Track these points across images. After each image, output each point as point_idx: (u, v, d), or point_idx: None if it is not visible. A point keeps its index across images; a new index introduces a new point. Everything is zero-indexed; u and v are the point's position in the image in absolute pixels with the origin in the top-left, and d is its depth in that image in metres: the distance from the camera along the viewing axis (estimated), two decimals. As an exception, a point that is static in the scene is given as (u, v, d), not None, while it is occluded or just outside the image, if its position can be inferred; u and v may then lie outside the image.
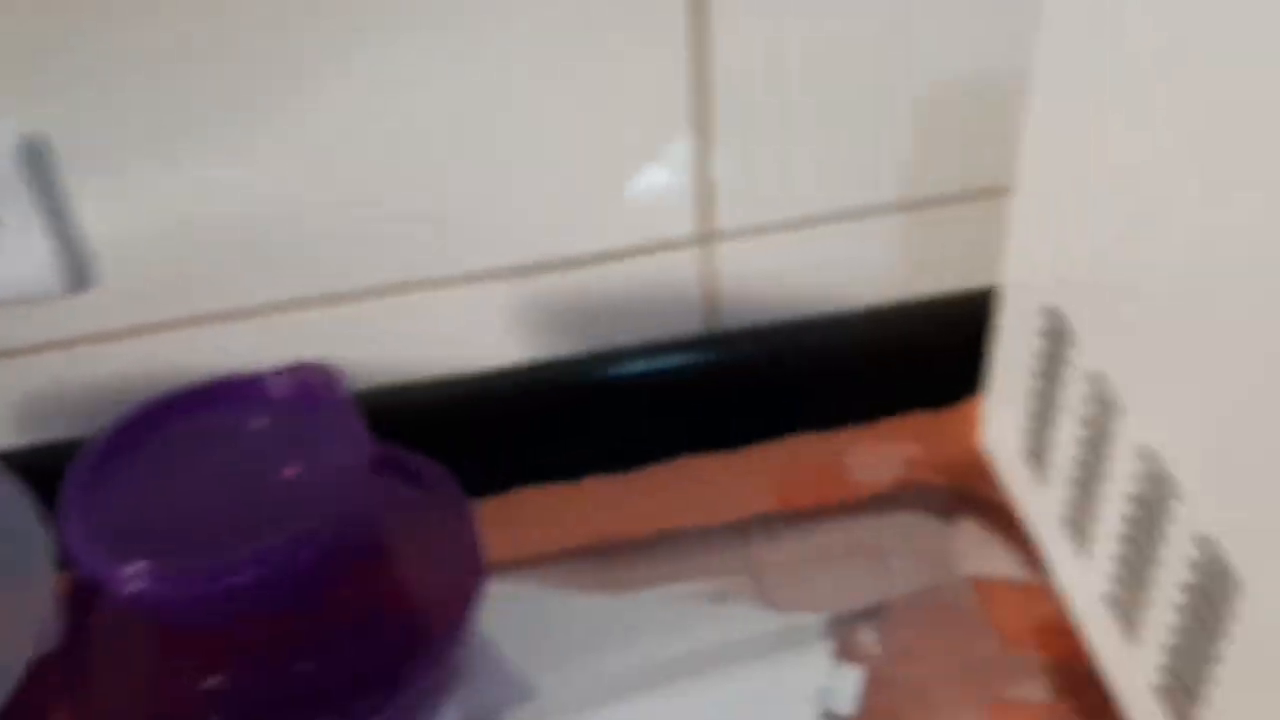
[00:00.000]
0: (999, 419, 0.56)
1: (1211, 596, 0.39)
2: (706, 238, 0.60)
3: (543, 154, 0.56)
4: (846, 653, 0.52)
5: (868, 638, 0.53)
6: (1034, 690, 0.51)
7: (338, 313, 0.59)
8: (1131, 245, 0.42)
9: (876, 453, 0.61)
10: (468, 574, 0.50)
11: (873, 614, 0.54)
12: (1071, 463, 0.48)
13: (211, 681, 0.47)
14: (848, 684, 0.51)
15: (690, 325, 0.64)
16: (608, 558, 0.58)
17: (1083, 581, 0.49)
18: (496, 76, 0.53)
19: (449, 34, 0.52)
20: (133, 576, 0.43)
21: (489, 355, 0.62)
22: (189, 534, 0.45)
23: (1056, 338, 0.48)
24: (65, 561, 0.45)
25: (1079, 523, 0.49)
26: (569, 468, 0.61)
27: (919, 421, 0.63)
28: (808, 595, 0.55)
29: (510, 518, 0.59)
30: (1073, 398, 0.48)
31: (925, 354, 0.64)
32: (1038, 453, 0.52)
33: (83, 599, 0.49)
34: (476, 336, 0.61)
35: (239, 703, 0.46)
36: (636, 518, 0.59)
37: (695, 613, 0.55)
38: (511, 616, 0.53)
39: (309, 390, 0.49)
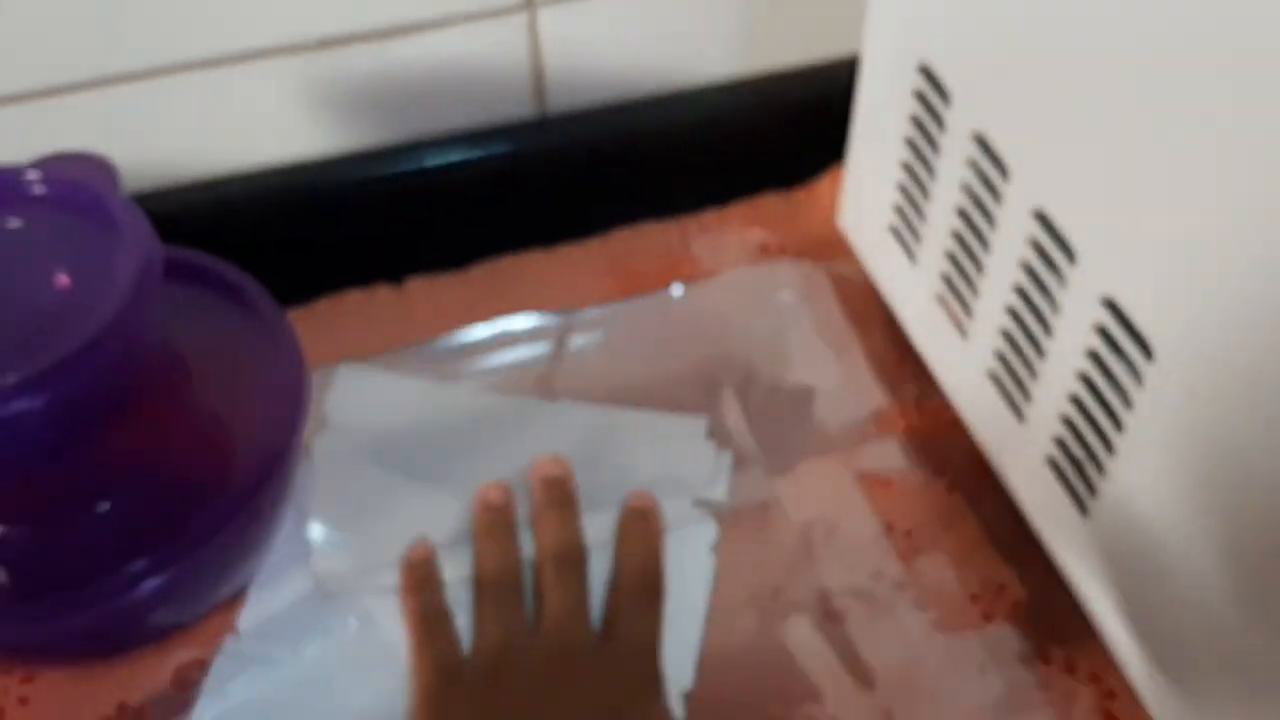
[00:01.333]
0: (860, 195, 0.52)
1: (1114, 365, 0.36)
2: (531, 3, 0.53)
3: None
4: (713, 434, 0.49)
5: (730, 416, 0.50)
6: (906, 467, 0.48)
7: (105, 98, 0.50)
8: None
9: (724, 238, 0.57)
10: (288, 393, 0.43)
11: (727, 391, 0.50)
12: (948, 236, 0.45)
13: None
14: (721, 469, 0.48)
15: (517, 108, 0.57)
16: (434, 359, 0.52)
17: (961, 362, 0.46)
18: None
19: None
20: None
21: (291, 147, 0.54)
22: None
23: (929, 99, 0.44)
24: None
25: (957, 299, 0.45)
26: (389, 268, 0.55)
27: (770, 203, 0.58)
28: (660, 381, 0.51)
29: (326, 324, 0.52)
30: (949, 164, 0.43)
31: (772, 133, 0.59)
32: (907, 228, 0.48)
33: None
34: (272, 125, 0.53)
35: (31, 552, 0.40)
36: (463, 318, 0.53)
37: (536, 404, 0.50)
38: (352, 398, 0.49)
39: (75, 187, 0.41)
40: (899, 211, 0.49)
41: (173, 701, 0.41)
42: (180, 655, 0.43)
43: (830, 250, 0.55)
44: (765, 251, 0.56)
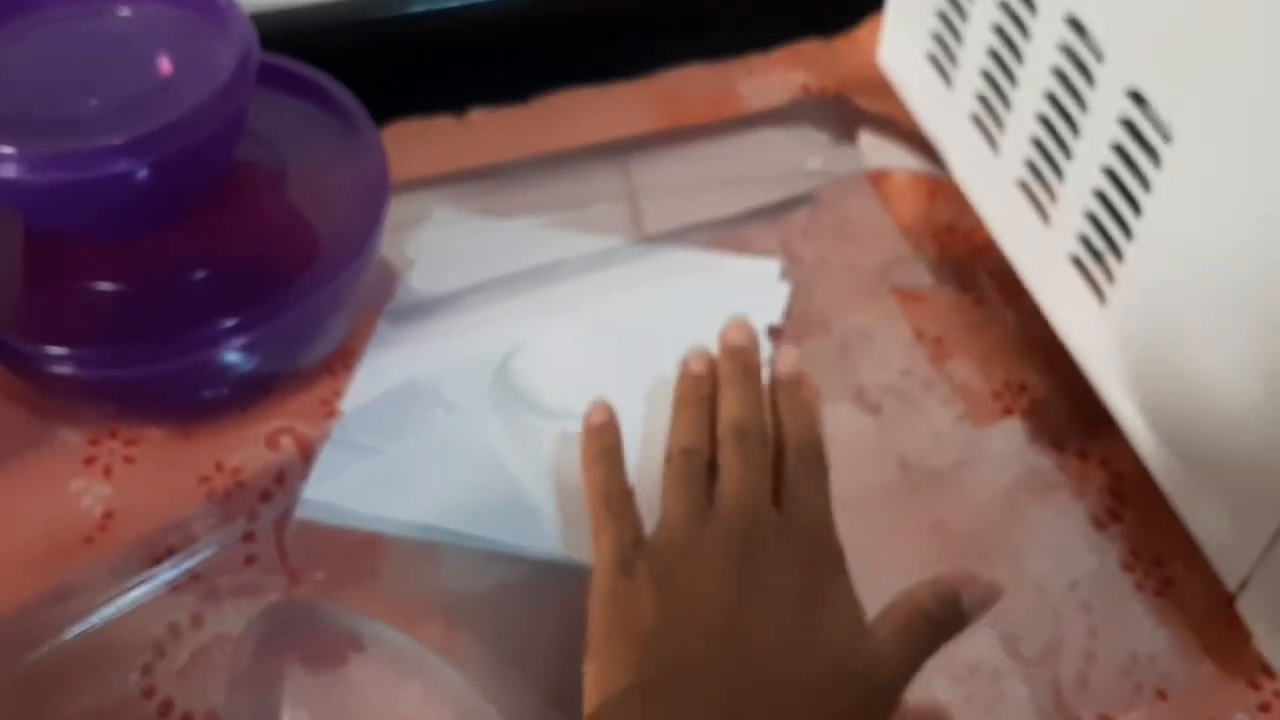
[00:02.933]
0: (900, 29, 0.55)
1: (1135, 153, 0.39)
2: None
3: None
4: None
5: (769, 242, 0.53)
6: (937, 280, 0.52)
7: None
8: None
9: (770, 78, 0.60)
10: (371, 191, 0.47)
11: (772, 219, 0.54)
12: (984, 54, 0.48)
13: (100, 285, 0.44)
14: (778, 295, 0.51)
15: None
16: (493, 184, 0.55)
17: (994, 175, 0.49)
18: None
19: None
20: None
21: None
22: (56, 124, 0.41)
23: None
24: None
25: (991, 115, 0.49)
26: (452, 101, 0.58)
27: (813, 48, 0.61)
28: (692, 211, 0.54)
29: (391, 150, 0.56)
30: (987, -14, 0.47)
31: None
32: (944, 54, 0.51)
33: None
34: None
35: (132, 306, 0.44)
36: (523, 149, 0.57)
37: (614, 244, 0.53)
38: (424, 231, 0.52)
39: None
40: (937, 38, 0.52)
41: (267, 462, 0.45)
42: (271, 423, 0.46)
43: (870, 90, 0.59)
44: (807, 91, 0.60)
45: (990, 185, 0.50)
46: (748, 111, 0.59)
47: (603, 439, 0.43)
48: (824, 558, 0.39)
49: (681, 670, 0.35)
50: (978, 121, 0.50)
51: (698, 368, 0.45)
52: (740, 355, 0.45)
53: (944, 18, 0.51)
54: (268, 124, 0.47)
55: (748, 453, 0.41)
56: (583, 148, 0.57)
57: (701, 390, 0.44)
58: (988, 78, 0.48)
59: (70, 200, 0.41)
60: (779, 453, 0.42)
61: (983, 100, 0.49)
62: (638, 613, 0.37)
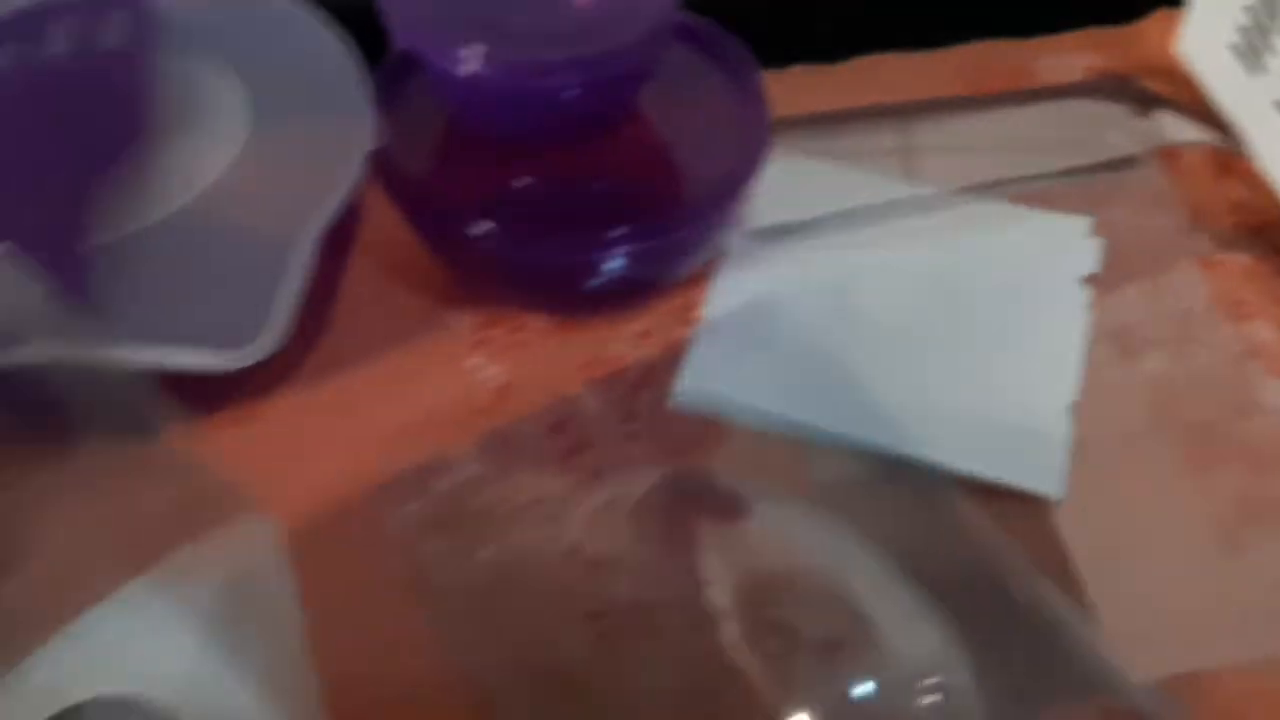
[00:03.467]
0: (1202, 21, 0.60)
1: None
2: None
3: None
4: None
5: (1073, 205, 0.58)
6: (1242, 252, 0.56)
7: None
8: None
9: (1064, 57, 0.65)
10: (752, 137, 0.52)
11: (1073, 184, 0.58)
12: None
13: (516, 181, 0.50)
14: (1091, 247, 0.56)
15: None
16: (812, 131, 0.61)
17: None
18: None
19: None
20: (469, 57, 0.45)
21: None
22: (508, 33, 0.46)
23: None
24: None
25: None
26: (776, 57, 0.63)
27: (1103, 34, 0.66)
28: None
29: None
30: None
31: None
32: (1251, 46, 0.56)
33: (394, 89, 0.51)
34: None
35: (540, 202, 0.50)
36: (832, 103, 0.62)
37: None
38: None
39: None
40: (1244, 31, 0.56)
41: (637, 357, 0.51)
42: (640, 324, 0.52)
43: (1159, 74, 0.63)
44: (1099, 72, 0.64)
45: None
46: (1044, 84, 0.63)
47: None
48: None
49: None
50: (1287, 105, 0.54)
51: None
52: None
53: (1252, 12, 0.55)
54: (666, 67, 0.53)
55: None
56: (887, 105, 0.62)
57: None
58: (1310, 62, 0.52)
59: (513, 104, 0.47)
60: None
61: (1300, 83, 0.53)
62: None
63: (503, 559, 0.44)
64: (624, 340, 0.52)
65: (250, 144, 0.48)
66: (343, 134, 0.47)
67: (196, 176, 0.47)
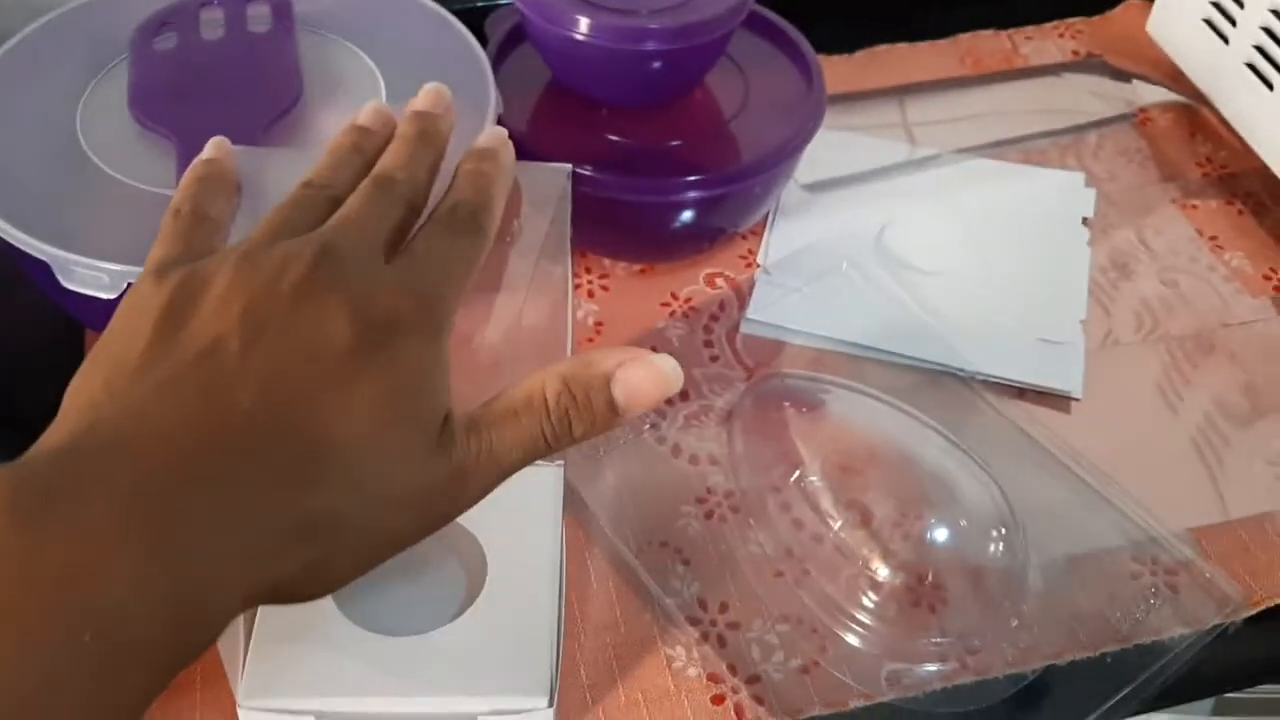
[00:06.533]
0: (1172, 3, 0.69)
1: None
2: None
3: None
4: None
5: (1065, 161, 0.67)
6: (1212, 198, 0.65)
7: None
8: None
9: (1046, 42, 0.74)
10: (806, 112, 0.60)
11: (1060, 143, 0.68)
12: (1265, 12, 0.61)
13: (607, 137, 0.58)
14: (1087, 196, 0.65)
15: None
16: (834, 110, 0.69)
17: (1266, 113, 0.62)
18: None
19: None
20: (578, 20, 0.53)
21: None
22: (607, 5, 0.55)
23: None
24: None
25: (1268, 60, 0.62)
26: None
27: (1079, 23, 0.75)
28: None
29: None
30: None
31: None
32: (1221, 18, 0.65)
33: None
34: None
35: (624, 152, 0.58)
36: (849, 86, 0.71)
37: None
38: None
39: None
40: (1216, 6, 0.65)
41: (709, 296, 0.59)
42: (708, 268, 0.60)
43: (1131, 54, 0.73)
44: (1077, 55, 0.74)
45: (1264, 121, 0.63)
46: (1029, 66, 0.73)
47: (220, 169, 0.38)
48: (409, 319, 0.32)
49: (168, 387, 0.30)
50: (1253, 68, 0.63)
51: (365, 119, 0.39)
52: (422, 119, 0.38)
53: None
54: (736, 47, 0.61)
55: (377, 201, 0.35)
56: (893, 86, 0.71)
57: (363, 143, 0.38)
58: (1268, 33, 0.62)
59: (609, 67, 0.55)
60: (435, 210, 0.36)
61: (1260, 51, 0.62)
62: (144, 315, 0.32)
63: (623, 457, 0.52)
64: (695, 283, 0.60)
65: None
66: (468, 107, 0.54)
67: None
